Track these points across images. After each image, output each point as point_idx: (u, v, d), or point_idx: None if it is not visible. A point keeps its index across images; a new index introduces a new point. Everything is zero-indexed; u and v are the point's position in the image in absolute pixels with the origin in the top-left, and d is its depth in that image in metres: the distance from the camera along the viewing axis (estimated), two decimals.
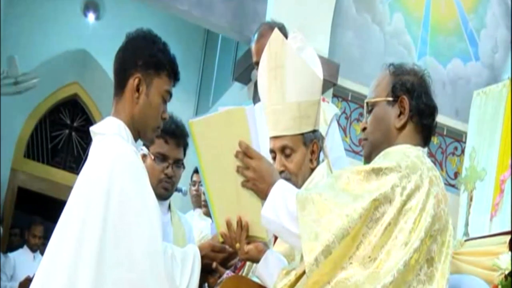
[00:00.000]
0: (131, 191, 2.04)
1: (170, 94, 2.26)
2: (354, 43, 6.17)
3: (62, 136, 8.74)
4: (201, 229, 4.73)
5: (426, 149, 2.16)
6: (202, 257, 2.18)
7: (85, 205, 2.03)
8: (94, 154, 2.17)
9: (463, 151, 6.15)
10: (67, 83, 8.58)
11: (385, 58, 6.28)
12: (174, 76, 2.26)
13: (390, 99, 2.09)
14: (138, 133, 2.23)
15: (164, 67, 2.22)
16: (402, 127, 2.08)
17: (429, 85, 2.13)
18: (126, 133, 2.18)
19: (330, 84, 5.86)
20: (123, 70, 2.22)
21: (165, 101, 2.24)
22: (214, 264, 2.21)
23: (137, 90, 2.18)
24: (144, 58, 2.20)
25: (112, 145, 2.13)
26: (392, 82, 2.10)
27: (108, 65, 8.07)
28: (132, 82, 2.18)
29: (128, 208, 2.02)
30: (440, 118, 7.22)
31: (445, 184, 6.78)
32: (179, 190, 4.79)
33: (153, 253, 2.01)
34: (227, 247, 2.23)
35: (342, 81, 5.94)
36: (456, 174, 6.20)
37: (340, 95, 6.11)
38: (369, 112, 2.13)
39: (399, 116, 2.08)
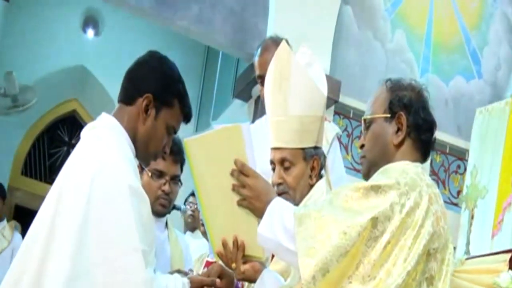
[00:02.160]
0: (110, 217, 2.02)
1: (175, 132, 2.27)
2: (355, 60, 6.18)
3: (60, 153, 8.72)
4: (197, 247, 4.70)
5: (425, 164, 2.16)
6: None
7: (63, 213, 2.03)
8: (79, 151, 2.14)
9: (466, 169, 6.14)
10: (66, 99, 8.59)
11: (387, 75, 6.22)
12: (185, 119, 2.28)
13: (388, 115, 2.09)
14: (136, 151, 2.21)
15: (183, 105, 2.24)
16: (400, 144, 2.08)
17: (427, 100, 2.13)
18: (124, 136, 2.16)
19: (331, 101, 5.86)
20: (139, 81, 2.20)
21: (169, 134, 2.24)
22: None
23: (145, 111, 2.17)
24: (166, 85, 2.20)
25: (100, 145, 2.11)
26: (389, 98, 2.11)
27: (107, 82, 8.09)
28: (141, 101, 2.17)
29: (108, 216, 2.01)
30: (442, 136, 7.21)
31: (447, 203, 6.74)
32: (178, 208, 4.76)
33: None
34: (217, 281, 2.23)
35: (343, 99, 5.94)
36: (459, 193, 6.18)
37: (342, 112, 6.11)
38: (367, 129, 2.13)
39: (396, 132, 2.08)
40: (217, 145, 2.10)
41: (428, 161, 6.81)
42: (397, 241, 1.86)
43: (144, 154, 2.23)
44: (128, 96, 2.21)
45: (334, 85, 5.80)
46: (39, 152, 8.60)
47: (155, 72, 2.22)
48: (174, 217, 4.52)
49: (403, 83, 2.14)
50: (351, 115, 6.04)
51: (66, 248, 1.96)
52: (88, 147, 2.14)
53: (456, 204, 6.07)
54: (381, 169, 2.02)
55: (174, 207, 4.31)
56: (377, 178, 1.97)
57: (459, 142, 6.43)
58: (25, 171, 8.50)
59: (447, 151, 6.43)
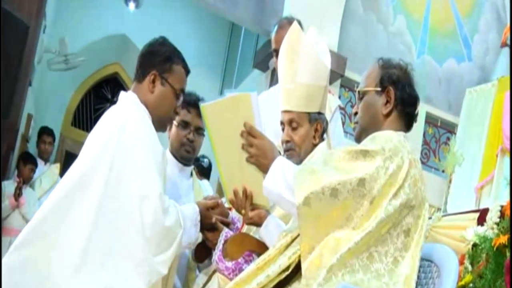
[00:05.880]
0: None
1: (183, 92, 2.38)
2: (360, 40, 6.14)
3: (104, 109, 8.78)
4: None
5: (418, 135, 2.17)
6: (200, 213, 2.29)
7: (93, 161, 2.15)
8: (106, 116, 2.28)
9: None
10: (110, 63, 8.64)
11: (388, 55, 6.22)
12: (186, 72, 2.39)
13: (378, 89, 2.11)
14: (151, 119, 2.32)
15: (179, 62, 2.36)
16: (388, 114, 2.09)
17: (413, 78, 2.14)
18: (142, 107, 2.30)
19: (338, 75, 5.85)
20: (144, 63, 2.36)
21: (178, 97, 2.35)
22: (214, 219, 2.27)
23: (153, 82, 2.32)
24: (162, 58, 2.34)
25: (124, 110, 2.26)
26: (380, 74, 2.12)
27: None
28: (149, 78, 2.32)
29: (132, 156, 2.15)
30: (435, 111, 7.14)
31: (437, 170, 6.65)
32: (202, 161, 4.74)
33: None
34: (219, 201, 2.34)
35: (349, 73, 5.92)
36: None
37: (347, 85, 6.09)
38: (360, 99, 2.15)
39: (385, 104, 2.09)
40: (229, 110, 2.12)
41: (421, 133, 6.78)
42: (380, 199, 1.88)
43: (158, 119, 2.34)
44: (139, 75, 2.37)
45: (340, 61, 5.79)
46: (87, 107, 8.70)
47: (155, 53, 2.36)
48: None
49: (393, 62, 2.16)
50: (355, 89, 6.02)
51: (94, 194, 2.10)
52: (112, 113, 2.28)
53: (444, 171, 6.07)
54: (369, 136, 2.03)
55: (198, 160, 4.29)
56: (366, 143, 1.98)
57: (449, 117, 6.40)
58: (74, 123, 8.61)
59: (439, 124, 6.41)
